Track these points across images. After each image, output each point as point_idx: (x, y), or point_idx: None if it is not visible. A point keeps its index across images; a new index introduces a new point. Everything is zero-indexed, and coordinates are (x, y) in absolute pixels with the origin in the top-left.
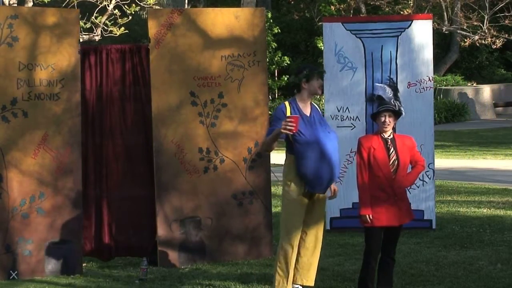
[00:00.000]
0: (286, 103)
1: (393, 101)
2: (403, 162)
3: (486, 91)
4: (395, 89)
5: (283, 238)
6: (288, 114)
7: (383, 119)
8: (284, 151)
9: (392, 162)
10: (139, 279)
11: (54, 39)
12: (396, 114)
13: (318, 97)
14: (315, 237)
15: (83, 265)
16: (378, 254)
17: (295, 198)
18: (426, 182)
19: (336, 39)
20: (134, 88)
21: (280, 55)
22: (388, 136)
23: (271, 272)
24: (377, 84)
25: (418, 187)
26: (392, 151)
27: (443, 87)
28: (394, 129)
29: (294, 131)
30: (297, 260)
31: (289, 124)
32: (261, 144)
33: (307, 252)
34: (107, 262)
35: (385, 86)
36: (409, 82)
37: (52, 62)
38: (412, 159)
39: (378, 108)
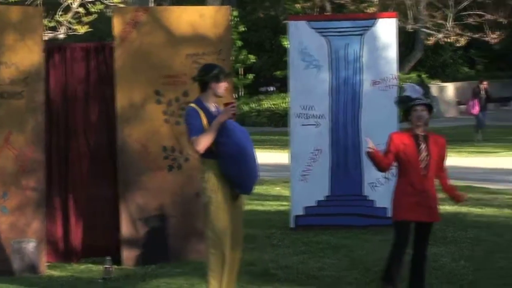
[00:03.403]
0: (193, 105)
1: (424, 97)
2: (433, 159)
3: (450, 89)
4: (425, 87)
5: (214, 246)
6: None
7: (416, 113)
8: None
9: (423, 158)
10: (102, 278)
11: (18, 37)
12: (429, 108)
13: (283, 95)
14: (238, 241)
15: (46, 264)
16: (406, 248)
17: (224, 203)
18: (390, 179)
19: (301, 37)
20: (98, 87)
21: (245, 53)
22: (421, 133)
23: None
24: (406, 84)
25: (382, 185)
26: (423, 146)
27: (406, 84)
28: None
29: (235, 115)
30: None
31: (231, 109)
32: (199, 141)
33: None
34: (75, 262)
35: (414, 85)
36: (374, 80)
37: (16, 61)
38: (439, 161)
39: (409, 103)
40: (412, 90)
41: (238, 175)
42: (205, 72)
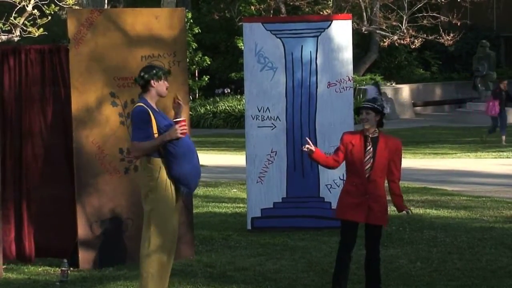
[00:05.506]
0: (142, 104)
1: (377, 99)
2: (379, 162)
3: (405, 91)
4: (378, 89)
5: (162, 249)
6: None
7: (361, 116)
8: (206, 152)
9: (367, 160)
10: (59, 280)
11: None
12: (377, 111)
13: (239, 97)
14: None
15: (3, 266)
16: (351, 248)
17: (173, 203)
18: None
19: (256, 39)
20: (53, 89)
21: (200, 55)
22: (372, 135)
23: (193, 271)
24: (366, 87)
25: (339, 186)
26: (370, 148)
27: (363, 87)
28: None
29: (184, 134)
30: None
31: (182, 128)
32: (140, 148)
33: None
34: (28, 263)
35: (371, 87)
36: (329, 82)
37: None
38: (389, 165)
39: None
40: (369, 93)
41: (187, 173)
42: (145, 71)
